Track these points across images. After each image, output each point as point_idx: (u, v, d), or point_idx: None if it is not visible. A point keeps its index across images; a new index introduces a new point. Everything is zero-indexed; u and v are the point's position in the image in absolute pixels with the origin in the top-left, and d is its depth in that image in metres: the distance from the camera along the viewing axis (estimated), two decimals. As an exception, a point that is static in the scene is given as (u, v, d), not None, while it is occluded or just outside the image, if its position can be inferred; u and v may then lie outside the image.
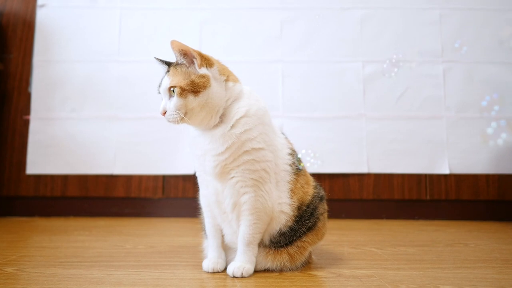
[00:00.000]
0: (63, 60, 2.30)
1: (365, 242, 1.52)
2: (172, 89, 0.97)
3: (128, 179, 2.23)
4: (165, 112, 0.98)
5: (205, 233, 1.14)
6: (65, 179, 2.22)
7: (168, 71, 1.01)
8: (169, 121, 0.98)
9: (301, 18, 2.32)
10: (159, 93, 1.02)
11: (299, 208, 1.06)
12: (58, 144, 2.23)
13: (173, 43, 0.98)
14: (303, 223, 1.06)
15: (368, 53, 2.29)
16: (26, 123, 2.26)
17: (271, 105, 2.25)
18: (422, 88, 2.26)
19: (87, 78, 2.28)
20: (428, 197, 2.20)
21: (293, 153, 1.10)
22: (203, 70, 0.99)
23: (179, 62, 1.00)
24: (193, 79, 0.97)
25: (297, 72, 2.29)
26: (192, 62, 0.99)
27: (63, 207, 2.23)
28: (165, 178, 2.22)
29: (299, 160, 1.12)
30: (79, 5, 2.32)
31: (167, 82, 0.98)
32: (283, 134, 1.14)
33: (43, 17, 2.32)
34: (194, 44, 2.30)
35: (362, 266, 1.14)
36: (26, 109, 2.27)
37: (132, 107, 2.26)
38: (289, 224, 1.04)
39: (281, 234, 1.04)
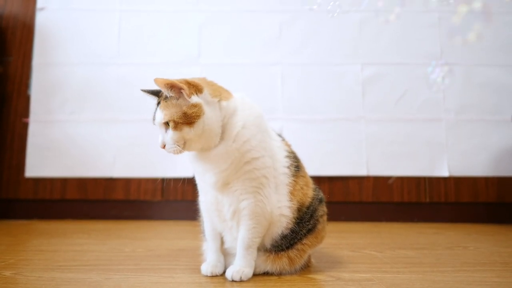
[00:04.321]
0: (62, 62, 2.30)
1: (365, 245, 1.51)
2: (167, 122, 0.95)
3: (127, 182, 2.23)
4: (163, 146, 0.97)
5: (204, 236, 1.14)
6: (64, 181, 2.22)
7: (159, 103, 0.99)
8: (169, 152, 0.97)
9: (300, 20, 2.32)
10: (154, 125, 1.00)
11: (299, 210, 1.06)
12: (57, 146, 2.23)
13: (156, 81, 0.94)
14: (304, 225, 1.06)
15: (367, 55, 2.29)
16: (25, 126, 2.26)
17: (271, 107, 2.25)
18: (421, 90, 2.26)
19: (87, 81, 2.28)
20: (427, 200, 2.20)
21: (291, 155, 1.10)
22: (194, 99, 0.95)
23: (168, 96, 0.97)
24: (185, 111, 0.94)
25: (296, 74, 2.29)
26: (181, 93, 0.95)
27: (62, 210, 2.22)
28: (164, 181, 2.22)
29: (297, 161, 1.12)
30: (79, 8, 2.32)
31: (160, 116, 0.96)
32: (280, 136, 1.13)
33: (42, 20, 2.32)
34: (193, 46, 2.32)
35: (361, 269, 1.14)
36: (25, 112, 2.27)
37: (131, 109, 2.26)
38: (290, 226, 1.04)
39: (283, 237, 1.04)
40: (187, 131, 0.95)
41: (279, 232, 1.04)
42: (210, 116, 0.97)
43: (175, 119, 0.94)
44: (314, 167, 2.17)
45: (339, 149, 2.23)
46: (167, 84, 0.95)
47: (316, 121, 2.25)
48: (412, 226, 2.05)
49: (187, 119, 0.94)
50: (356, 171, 2.21)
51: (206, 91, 0.99)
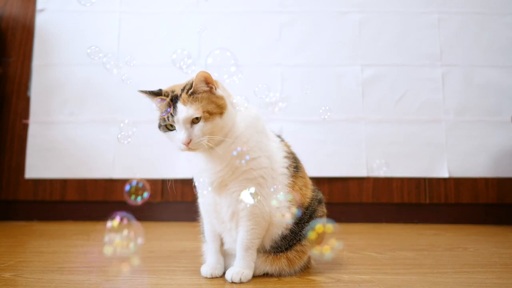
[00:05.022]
0: (62, 63, 2.30)
1: (364, 246, 1.51)
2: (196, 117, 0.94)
3: (127, 183, 2.22)
4: (187, 142, 0.93)
5: (204, 237, 1.14)
6: (64, 183, 2.22)
7: (176, 100, 0.95)
8: (192, 148, 0.94)
9: (300, 21, 2.33)
10: (172, 125, 0.95)
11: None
12: (57, 148, 2.23)
13: (203, 74, 0.95)
14: (303, 225, 1.06)
15: (367, 56, 2.29)
16: (25, 127, 2.26)
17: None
18: (421, 92, 2.27)
19: (86, 82, 2.28)
20: (427, 201, 2.20)
21: (289, 156, 1.11)
22: (219, 92, 0.99)
23: (199, 89, 0.96)
24: (216, 101, 0.96)
25: (296, 75, 2.29)
26: (209, 88, 0.97)
27: (61, 211, 2.22)
28: (164, 182, 2.22)
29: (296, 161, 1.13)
30: (78, 9, 2.32)
31: (189, 111, 0.93)
32: (279, 137, 1.14)
33: (42, 21, 2.32)
34: (193, 47, 2.31)
35: (361, 271, 1.14)
36: (25, 113, 2.27)
37: (131, 110, 2.26)
38: (289, 227, 1.05)
39: (283, 237, 1.05)
40: (218, 121, 0.95)
41: (279, 233, 1.05)
42: (231, 109, 1.00)
43: (210, 109, 0.94)
44: (314, 168, 2.17)
45: (339, 150, 2.23)
46: (207, 78, 0.96)
47: (315, 122, 2.25)
48: (412, 227, 2.05)
49: (219, 109, 0.96)
50: (356, 172, 2.21)
51: (220, 87, 1.02)
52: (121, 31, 2.32)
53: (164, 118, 0.96)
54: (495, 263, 1.25)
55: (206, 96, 0.96)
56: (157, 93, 1.00)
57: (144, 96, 1.02)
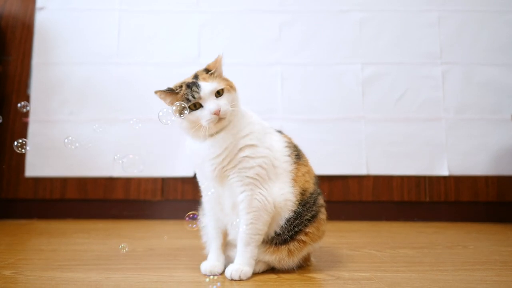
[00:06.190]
0: (62, 62, 2.30)
1: (364, 244, 1.51)
2: (219, 90, 1.03)
3: (127, 182, 2.22)
4: (218, 110, 0.99)
5: (205, 227, 1.15)
6: (64, 181, 2.22)
7: (195, 83, 1.02)
8: (221, 117, 1.00)
9: (300, 20, 2.32)
10: (195, 105, 1.01)
11: (302, 194, 1.07)
12: (57, 146, 2.22)
13: (221, 56, 1.09)
14: (308, 209, 1.07)
15: (367, 55, 2.29)
16: (25, 126, 2.26)
17: (270, 108, 2.25)
18: (421, 90, 2.26)
19: (86, 80, 2.28)
20: (427, 199, 2.20)
21: (290, 145, 1.13)
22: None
23: (218, 69, 1.07)
24: (228, 81, 1.08)
25: (296, 75, 2.29)
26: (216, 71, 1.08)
27: (62, 210, 2.23)
28: (164, 181, 2.22)
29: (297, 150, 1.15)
30: (78, 8, 2.32)
31: (213, 85, 1.02)
32: (279, 132, 1.16)
33: (42, 20, 2.32)
34: (193, 46, 2.31)
35: (361, 268, 1.14)
36: (25, 112, 2.27)
37: (131, 109, 2.26)
38: (294, 208, 1.05)
39: (287, 220, 1.05)
40: (235, 95, 1.07)
41: (286, 216, 1.05)
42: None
43: (228, 84, 1.06)
44: (314, 166, 2.17)
45: (339, 149, 2.23)
46: (220, 62, 1.09)
47: (316, 121, 2.25)
48: (412, 225, 2.05)
49: (232, 85, 1.08)
50: (356, 171, 2.21)
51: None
52: (121, 29, 2.31)
53: (188, 98, 1.00)
54: (495, 261, 1.25)
55: (221, 76, 1.08)
56: (171, 89, 1.05)
57: (159, 95, 1.05)
